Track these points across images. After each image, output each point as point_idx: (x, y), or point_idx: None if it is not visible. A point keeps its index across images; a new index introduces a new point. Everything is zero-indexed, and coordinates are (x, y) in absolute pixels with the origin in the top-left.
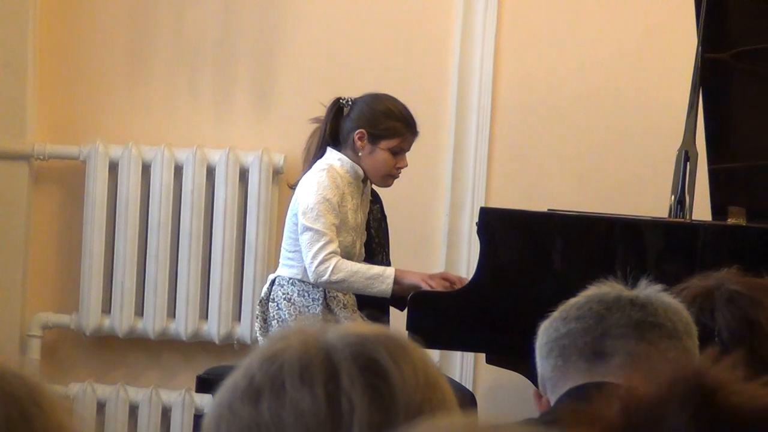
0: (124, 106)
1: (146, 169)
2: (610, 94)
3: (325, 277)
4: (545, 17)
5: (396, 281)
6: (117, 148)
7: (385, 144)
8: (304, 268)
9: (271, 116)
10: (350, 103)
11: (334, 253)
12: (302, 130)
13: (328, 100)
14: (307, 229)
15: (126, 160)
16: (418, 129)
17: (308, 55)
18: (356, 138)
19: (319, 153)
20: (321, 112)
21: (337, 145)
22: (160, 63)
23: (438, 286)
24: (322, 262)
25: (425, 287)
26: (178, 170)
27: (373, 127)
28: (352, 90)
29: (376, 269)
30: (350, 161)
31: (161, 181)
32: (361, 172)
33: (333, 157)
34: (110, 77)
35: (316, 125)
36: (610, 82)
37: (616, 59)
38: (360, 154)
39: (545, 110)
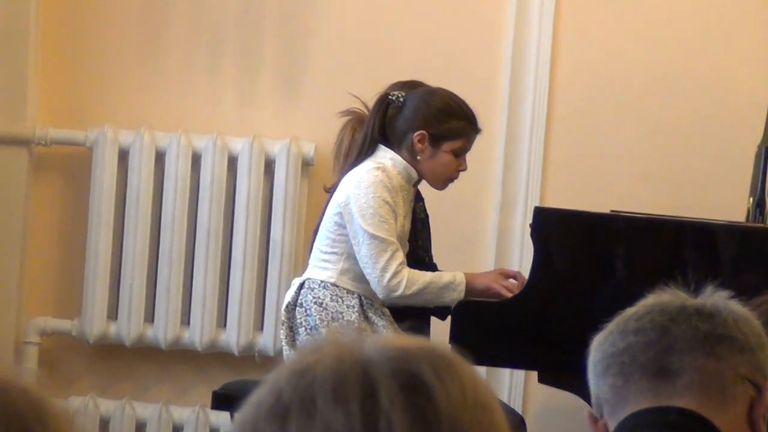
0: (136, 86)
1: (160, 157)
2: (682, 82)
3: (399, 292)
4: None
5: (468, 285)
6: (127, 133)
7: (448, 146)
8: (340, 271)
9: (301, 100)
10: (401, 99)
11: (403, 263)
12: (335, 117)
13: (363, 86)
14: (370, 236)
15: (137, 147)
16: (480, 126)
17: (344, 33)
18: (416, 140)
19: (369, 150)
20: (351, 101)
21: (386, 142)
22: (177, 38)
23: (511, 287)
24: (394, 275)
25: (498, 288)
26: (196, 160)
27: (434, 128)
28: (392, 75)
29: (447, 276)
30: (404, 162)
31: (177, 171)
32: (414, 174)
33: (385, 155)
34: (121, 54)
35: (346, 117)
36: (683, 67)
37: (689, 42)
38: (419, 157)
39: (608, 99)
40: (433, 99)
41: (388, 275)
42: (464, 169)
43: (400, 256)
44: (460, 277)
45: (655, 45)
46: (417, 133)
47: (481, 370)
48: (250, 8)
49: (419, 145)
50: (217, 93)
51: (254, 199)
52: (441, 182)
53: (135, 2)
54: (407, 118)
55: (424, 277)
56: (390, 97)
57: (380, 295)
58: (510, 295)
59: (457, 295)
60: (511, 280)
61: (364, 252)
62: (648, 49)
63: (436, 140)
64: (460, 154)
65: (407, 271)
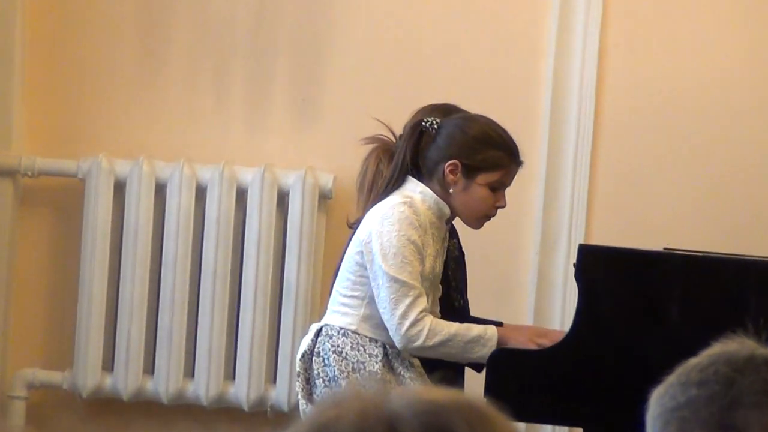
0: (134, 111)
1: (160, 190)
2: (744, 109)
3: (418, 343)
4: (661, 10)
5: (499, 343)
6: (124, 163)
7: (483, 178)
8: (361, 317)
9: (318, 126)
10: (436, 126)
11: (426, 311)
12: (356, 145)
13: (388, 110)
14: (390, 279)
15: (135, 178)
16: (522, 158)
17: (366, 51)
18: (447, 171)
19: (398, 182)
20: (375, 126)
21: (417, 174)
22: (179, 58)
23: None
24: (414, 324)
25: (533, 350)
26: (201, 192)
27: (468, 157)
28: (420, 98)
29: (477, 330)
30: (434, 196)
31: (179, 205)
32: (447, 210)
33: (414, 188)
34: (116, 75)
35: (371, 145)
36: (745, 92)
37: (753, 64)
38: (452, 190)
39: (660, 126)
40: (470, 126)
41: (407, 323)
42: (503, 206)
43: (423, 303)
44: (491, 332)
45: (714, 67)
46: (449, 162)
47: (520, 427)
48: (262, 24)
49: (451, 177)
50: (224, 118)
51: (266, 237)
52: (475, 219)
53: (132, 19)
54: (440, 147)
55: (449, 327)
56: (424, 123)
57: (398, 345)
58: None
59: (487, 351)
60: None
61: (383, 296)
62: (704, 71)
63: (470, 171)
64: (497, 188)
65: (429, 320)
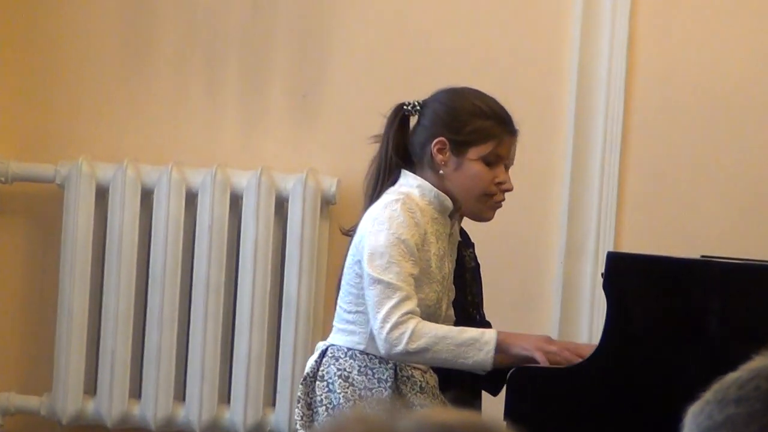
0: (117, 111)
1: (147, 196)
2: None
3: (400, 347)
4: None
5: (499, 348)
6: (107, 167)
7: (475, 152)
8: (369, 335)
9: (319, 125)
10: (418, 106)
11: (410, 313)
12: (362, 144)
13: (389, 107)
14: (374, 281)
15: (119, 183)
16: (516, 126)
17: (371, 43)
18: (434, 150)
19: (388, 179)
20: (380, 126)
21: (410, 166)
22: (166, 52)
23: (561, 358)
24: (395, 327)
25: (541, 360)
26: (191, 198)
27: (455, 132)
28: (428, 89)
29: (471, 332)
30: (434, 189)
31: (167, 212)
32: (448, 203)
33: (410, 182)
34: (98, 72)
35: (378, 145)
36: None
37: None
38: (442, 171)
39: (697, 122)
40: (454, 99)
41: (388, 326)
42: (506, 186)
43: (409, 305)
44: (489, 336)
45: (752, 54)
46: (435, 141)
47: None
48: (257, 12)
49: (440, 156)
50: (216, 116)
51: (263, 246)
52: (475, 201)
53: (116, 10)
54: (425, 127)
55: (437, 330)
56: (405, 106)
57: (381, 351)
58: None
59: (484, 356)
60: (565, 352)
61: (368, 299)
62: (744, 60)
63: (459, 147)
64: (493, 162)
65: (414, 322)
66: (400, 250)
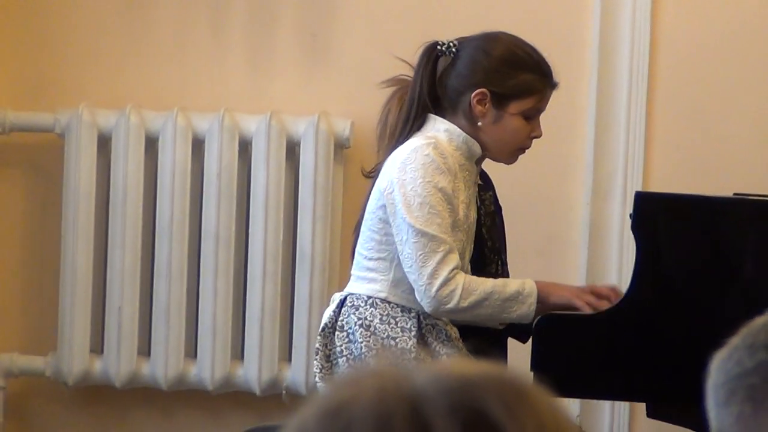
0: (118, 54)
1: (152, 143)
2: None
3: (451, 305)
4: None
5: (539, 300)
6: (109, 114)
7: (516, 107)
8: (391, 282)
9: (332, 66)
10: (454, 48)
11: (457, 268)
12: (375, 85)
13: (411, 47)
14: (417, 232)
15: (122, 131)
16: (556, 79)
17: None
18: (474, 101)
19: (416, 122)
20: (397, 64)
21: (438, 109)
22: None
23: (597, 305)
24: (445, 283)
25: (580, 305)
26: (198, 145)
27: (497, 84)
28: (449, 33)
29: (514, 285)
30: (462, 134)
31: (174, 161)
32: (477, 149)
33: (438, 126)
34: (96, 14)
35: (392, 88)
36: None
37: None
38: (480, 123)
39: (726, 55)
40: (495, 47)
41: (438, 283)
42: (538, 136)
43: (455, 259)
44: (530, 286)
45: None
46: (476, 92)
47: (574, 405)
48: None
49: (479, 108)
50: (222, 59)
51: (275, 194)
52: (509, 153)
53: None
54: (462, 74)
55: (484, 285)
56: (439, 47)
57: (427, 308)
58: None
59: (527, 309)
60: (604, 302)
61: (408, 252)
62: None
63: (500, 100)
64: (532, 116)
65: (462, 278)
66: (439, 198)
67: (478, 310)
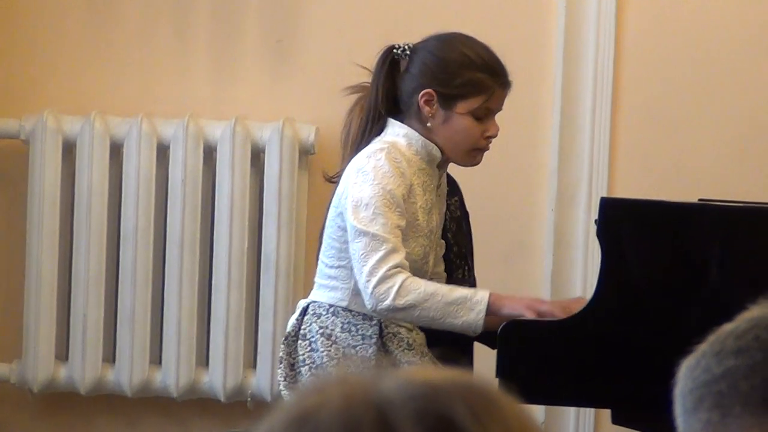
0: (82, 60)
1: (116, 150)
2: None
3: (387, 302)
4: None
5: (490, 309)
6: (74, 120)
7: (463, 106)
8: (353, 290)
9: (296, 73)
10: (408, 51)
11: (398, 266)
12: (340, 91)
13: (373, 52)
14: (360, 233)
15: (87, 137)
16: (509, 78)
17: None
18: (421, 102)
19: (375, 127)
20: (359, 73)
21: (398, 114)
22: (134, 0)
23: (553, 315)
24: (382, 281)
25: (529, 316)
26: (163, 151)
27: (444, 84)
28: (413, 38)
29: (462, 291)
30: (421, 137)
31: (138, 167)
32: (437, 152)
33: (396, 131)
34: (61, 22)
35: (356, 95)
36: None
37: None
38: (429, 124)
39: (693, 60)
40: (444, 48)
41: (375, 280)
42: (493, 135)
43: (396, 258)
44: (481, 295)
45: None
46: (422, 92)
47: (539, 411)
48: None
49: (427, 108)
50: (187, 65)
51: (239, 200)
52: (464, 154)
53: None
54: (414, 76)
55: (426, 286)
56: (395, 50)
57: (368, 306)
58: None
59: (475, 316)
60: (557, 312)
61: (352, 253)
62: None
63: (447, 100)
64: (483, 115)
65: (403, 277)
66: (386, 200)
67: (418, 311)
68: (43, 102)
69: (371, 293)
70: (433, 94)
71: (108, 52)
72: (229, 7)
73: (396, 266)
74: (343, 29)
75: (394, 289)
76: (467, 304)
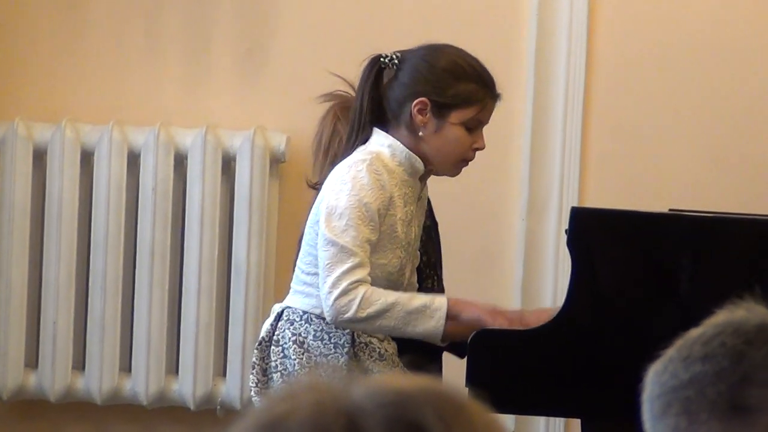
0: (53, 67)
1: (87, 157)
2: (758, 52)
3: (349, 315)
4: None
5: (450, 316)
6: (44, 128)
7: (456, 116)
8: None
9: (267, 81)
10: (396, 60)
11: (361, 281)
12: (311, 99)
13: (346, 62)
14: (329, 242)
15: (57, 145)
16: (498, 90)
17: None
18: (414, 111)
19: (360, 136)
20: (331, 83)
21: (382, 123)
22: (103, 6)
23: (511, 324)
24: (344, 293)
25: (492, 324)
26: (134, 159)
27: (438, 94)
28: (385, 47)
29: (421, 299)
30: (405, 149)
31: (109, 174)
32: (420, 165)
33: (381, 141)
34: (31, 29)
35: (328, 103)
36: (759, 33)
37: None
38: (421, 133)
39: (663, 70)
40: (438, 57)
41: (336, 292)
42: (481, 148)
43: (360, 273)
44: (440, 302)
45: (715, 4)
46: (417, 101)
47: (509, 420)
48: None
49: (420, 117)
50: (158, 73)
51: (210, 208)
52: (452, 165)
53: None
54: (405, 84)
55: (387, 296)
56: (382, 58)
57: (327, 317)
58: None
59: (434, 325)
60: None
61: (319, 261)
62: (712, 6)
63: (441, 109)
64: (473, 126)
65: (364, 289)
66: (360, 213)
67: (380, 321)
68: (14, 109)
69: (332, 305)
70: (427, 102)
71: (79, 60)
72: (201, 15)
73: (359, 281)
74: (314, 38)
75: (356, 302)
76: (427, 312)
